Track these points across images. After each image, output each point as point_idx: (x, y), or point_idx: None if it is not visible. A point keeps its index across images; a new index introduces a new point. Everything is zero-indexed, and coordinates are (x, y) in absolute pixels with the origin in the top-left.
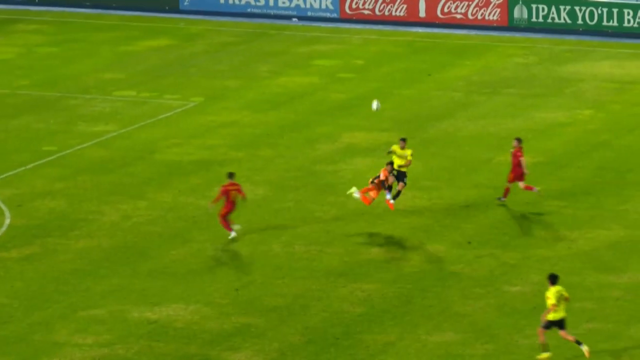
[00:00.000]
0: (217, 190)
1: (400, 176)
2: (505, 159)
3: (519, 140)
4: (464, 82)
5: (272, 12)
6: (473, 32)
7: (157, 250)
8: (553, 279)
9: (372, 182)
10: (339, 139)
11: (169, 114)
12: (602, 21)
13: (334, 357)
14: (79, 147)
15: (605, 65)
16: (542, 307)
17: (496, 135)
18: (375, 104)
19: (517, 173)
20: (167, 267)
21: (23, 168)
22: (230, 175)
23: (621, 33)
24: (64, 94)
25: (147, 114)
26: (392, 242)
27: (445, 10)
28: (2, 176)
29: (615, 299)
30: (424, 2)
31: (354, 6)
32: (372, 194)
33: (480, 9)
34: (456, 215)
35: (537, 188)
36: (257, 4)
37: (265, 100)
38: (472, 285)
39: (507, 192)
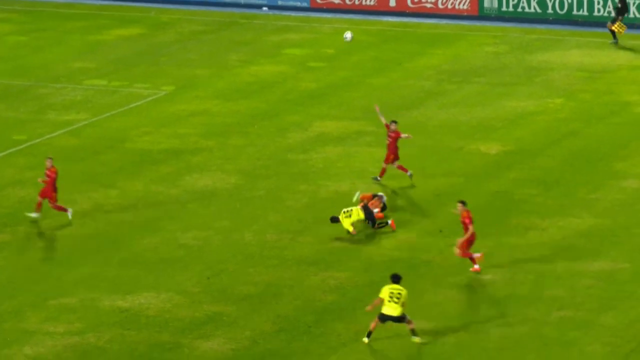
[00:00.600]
0: (188, 179)
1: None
2: (475, 148)
3: (394, 122)
4: (435, 71)
5: (242, 1)
6: (443, 22)
7: (128, 239)
8: (393, 278)
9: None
10: (309, 127)
11: (139, 103)
12: (572, 10)
13: (306, 345)
14: (49, 135)
15: (576, 54)
16: (514, 296)
17: (467, 123)
18: (348, 35)
19: (394, 153)
20: (139, 255)
21: None
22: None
23: (591, 22)
24: (34, 83)
25: (117, 103)
26: (364, 231)
27: None
28: None
29: (587, 287)
30: None
31: None
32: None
33: None
34: (427, 204)
35: (410, 171)
36: None
37: (236, 89)
38: (444, 274)
39: (383, 172)
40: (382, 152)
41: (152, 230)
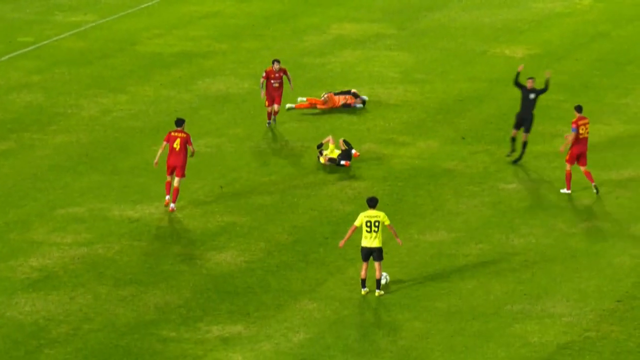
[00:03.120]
0: (200, 84)
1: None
2: (500, 51)
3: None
4: None
5: None
6: None
7: (138, 146)
8: (369, 202)
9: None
10: (327, 30)
11: (150, 4)
12: None
13: (322, 257)
14: (56, 38)
15: None
16: (538, 205)
17: (491, 26)
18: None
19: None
20: (149, 163)
21: None
22: (179, 122)
23: None
24: None
25: (127, 4)
26: (384, 139)
27: None
28: None
29: (615, 197)
30: None
31: None
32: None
33: None
34: (449, 110)
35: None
36: None
37: None
38: (466, 183)
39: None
40: (403, 56)
41: (163, 137)
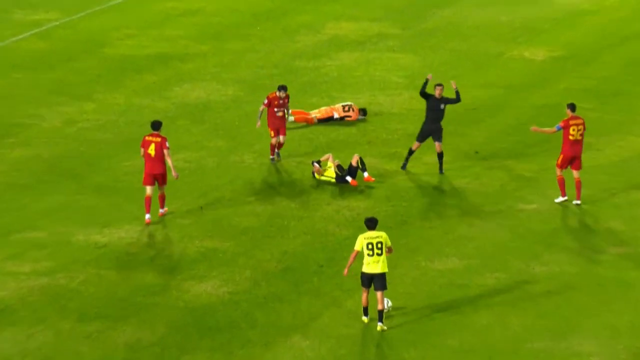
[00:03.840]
0: (177, 91)
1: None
2: (518, 54)
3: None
4: None
5: None
6: None
7: (107, 162)
8: (367, 223)
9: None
10: (322, 29)
11: (121, 0)
12: None
13: (316, 287)
14: (14, 38)
15: None
16: (562, 228)
17: (508, 24)
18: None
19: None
20: (119, 181)
21: None
22: (155, 125)
23: None
24: None
25: (95, 0)
26: (386, 153)
27: None
28: None
29: None
30: None
31: None
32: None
33: None
34: (461, 120)
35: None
36: None
37: None
38: (480, 203)
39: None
40: (408, 59)
41: (135, 150)
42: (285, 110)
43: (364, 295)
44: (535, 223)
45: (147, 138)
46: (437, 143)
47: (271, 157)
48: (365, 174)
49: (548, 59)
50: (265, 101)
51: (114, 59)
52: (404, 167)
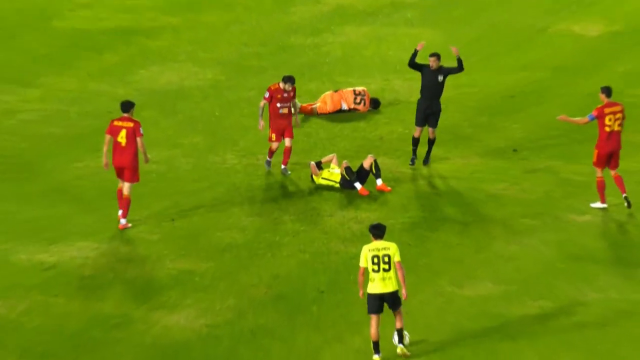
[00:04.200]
0: (143, 74)
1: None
2: (566, 28)
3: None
4: None
5: None
6: None
7: (55, 162)
8: (373, 230)
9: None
10: None
11: None
12: None
13: (315, 319)
14: None
15: None
16: (621, 246)
17: None
18: None
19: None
20: (70, 186)
21: None
22: (126, 106)
23: None
24: None
25: None
26: (403, 151)
27: None
28: None
29: None
30: None
31: None
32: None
33: None
34: (496, 111)
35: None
36: None
37: None
38: (520, 214)
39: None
40: (430, 35)
41: (90, 148)
42: (293, 107)
43: (374, 325)
44: (588, 239)
45: (115, 123)
46: (430, 129)
47: (268, 159)
48: (379, 182)
49: (604, 35)
50: (267, 94)
51: (64, 35)
52: (412, 162)
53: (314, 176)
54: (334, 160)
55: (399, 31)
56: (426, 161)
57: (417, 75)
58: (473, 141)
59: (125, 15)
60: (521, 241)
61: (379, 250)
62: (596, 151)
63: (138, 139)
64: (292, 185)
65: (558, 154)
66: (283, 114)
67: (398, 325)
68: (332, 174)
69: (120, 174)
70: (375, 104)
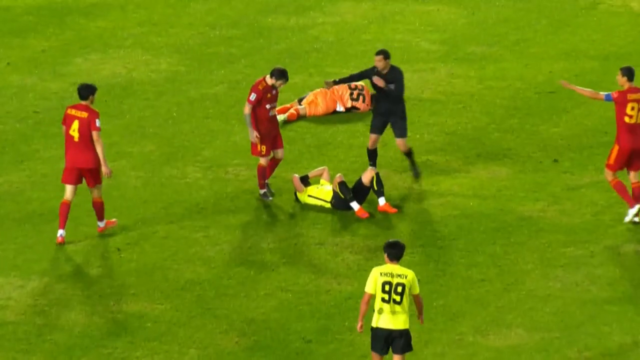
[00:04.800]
0: (80, 63)
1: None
2: (623, 4)
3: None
4: None
5: None
6: None
7: None
8: (389, 249)
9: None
10: None
11: None
12: None
13: None
14: None
15: None
16: None
17: None
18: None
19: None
20: None
21: None
22: (85, 90)
23: None
24: None
25: None
26: (404, 164)
27: None
28: None
29: None
30: None
31: None
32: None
33: None
34: (532, 110)
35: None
36: None
37: None
38: (561, 242)
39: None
40: (448, 14)
41: (13, 159)
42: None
43: None
44: (631, 273)
45: (69, 111)
46: (398, 140)
47: (262, 191)
48: (382, 201)
49: None
50: (253, 96)
51: None
52: (415, 174)
53: (297, 193)
54: (325, 175)
55: (408, 9)
56: (415, 174)
57: (429, 66)
58: (501, 149)
59: None
60: (562, 277)
61: (393, 276)
62: (616, 147)
63: (94, 133)
64: (272, 205)
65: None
66: (273, 117)
67: None
68: (322, 191)
69: (74, 176)
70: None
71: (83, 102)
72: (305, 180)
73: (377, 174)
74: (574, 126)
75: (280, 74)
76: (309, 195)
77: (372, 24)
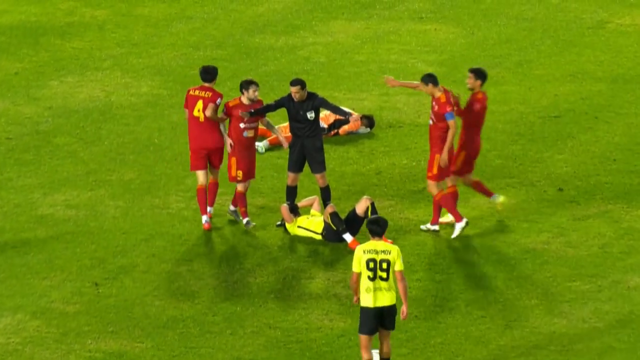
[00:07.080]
0: (55, 87)
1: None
2: (632, 22)
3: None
4: None
5: None
6: None
7: None
8: (372, 227)
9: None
10: None
11: None
12: None
13: None
14: None
15: None
16: None
17: None
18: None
19: None
20: None
21: None
22: (207, 73)
23: None
24: None
25: None
26: (408, 191)
27: None
28: None
29: None
30: None
31: None
32: None
33: None
34: (534, 136)
35: None
36: None
37: None
38: (567, 276)
39: None
40: (446, 33)
41: None
42: (266, 126)
43: (364, 345)
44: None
45: (192, 92)
46: (316, 175)
47: (245, 219)
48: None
49: None
50: (223, 113)
51: None
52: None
53: (287, 224)
54: (316, 205)
55: (404, 28)
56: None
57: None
58: (503, 177)
59: (31, 7)
60: (568, 313)
61: (377, 253)
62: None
63: (211, 107)
64: (259, 237)
65: (619, 195)
66: (249, 140)
67: (385, 352)
68: (313, 222)
69: (202, 159)
70: (369, 122)
71: (206, 84)
72: (295, 211)
73: (373, 204)
74: (580, 153)
75: (244, 83)
76: (299, 227)
77: (366, 44)
